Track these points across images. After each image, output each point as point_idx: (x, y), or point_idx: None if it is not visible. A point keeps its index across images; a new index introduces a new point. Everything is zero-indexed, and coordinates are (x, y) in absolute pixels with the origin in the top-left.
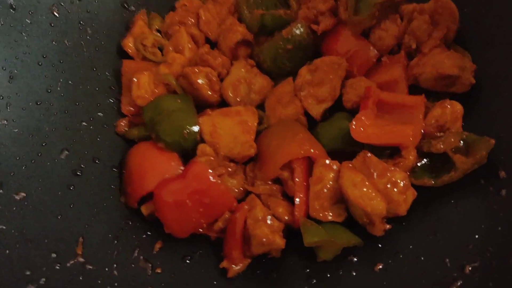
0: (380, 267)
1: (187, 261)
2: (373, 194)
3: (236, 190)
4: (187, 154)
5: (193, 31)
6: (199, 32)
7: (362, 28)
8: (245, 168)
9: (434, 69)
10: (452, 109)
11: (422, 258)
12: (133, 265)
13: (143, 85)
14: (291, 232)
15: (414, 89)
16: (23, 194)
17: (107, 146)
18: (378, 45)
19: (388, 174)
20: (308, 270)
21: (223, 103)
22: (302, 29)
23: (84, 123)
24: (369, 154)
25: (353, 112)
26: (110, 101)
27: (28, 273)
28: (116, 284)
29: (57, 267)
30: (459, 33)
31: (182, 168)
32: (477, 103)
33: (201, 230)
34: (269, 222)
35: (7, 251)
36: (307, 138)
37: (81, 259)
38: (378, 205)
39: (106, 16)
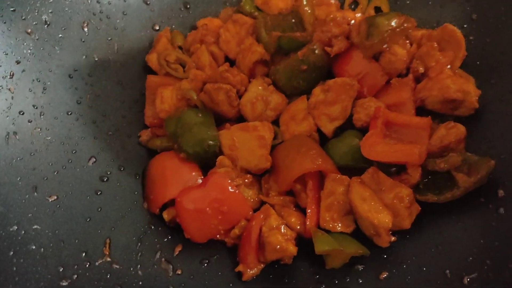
0: (385, 275)
1: (205, 264)
2: (380, 208)
3: (252, 200)
4: (206, 165)
5: (213, 49)
6: (218, 51)
7: (373, 52)
8: (260, 180)
9: (440, 93)
10: (456, 131)
11: (424, 269)
12: (155, 266)
13: (166, 99)
14: (302, 241)
15: (421, 110)
16: (55, 197)
17: (131, 155)
18: (388, 68)
19: (395, 190)
20: (317, 277)
21: (240, 118)
22: (316, 51)
23: (110, 133)
24: (377, 171)
25: (362, 131)
26: (134, 113)
27: (61, 269)
28: (140, 283)
29: (87, 265)
30: (465, 59)
31: (201, 178)
32: (479, 125)
33: (218, 236)
34: (282, 230)
35: (42, 250)
36: (319, 153)
37: (108, 259)
38: (385, 218)
39: (132, 33)
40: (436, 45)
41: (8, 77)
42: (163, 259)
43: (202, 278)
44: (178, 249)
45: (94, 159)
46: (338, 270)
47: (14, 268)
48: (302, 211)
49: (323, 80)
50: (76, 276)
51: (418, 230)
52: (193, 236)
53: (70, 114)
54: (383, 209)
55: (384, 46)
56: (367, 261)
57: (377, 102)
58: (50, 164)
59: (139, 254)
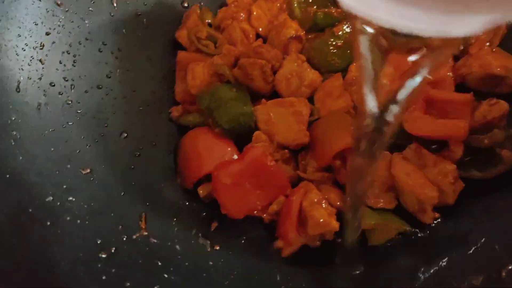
0: (426, 255)
1: (242, 241)
2: (426, 182)
3: (289, 176)
4: (241, 140)
5: (244, 26)
6: (250, 27)
7: None
8: (296, 156)
9: (481, 69)
10: (499, 107)
11: (473, 245)
12: (193, 241)
13: (198, 75)
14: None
15: (459, 88)
16: (88, 170)
17: (162, 132)
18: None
19: (439, 166)
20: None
21: (273, 95)
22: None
23: (141, 108)
24: (420, 146)
25: None
26: (164, 89)
27: (99, 241)
28: (179, 257)
29: (124, 239)
30: (504, 37)
31: (237, 153)
32: None
33: (255, 212)
34: (324, 205)
35: (78, 221)
36: None
37: (145, 233)
38: (431, 193)
39: (161, 9)
40: None
41: (39, 48)
42: (200, 234)
43: (240, 254)
44: (214, 225)
45: (126, 134)
46: (379, 247)
47: (52, 239)
48: (341, 187)
49: None
50: (114, 248)
51: (462, 206)
52: (230, 212)
53: (100, 88)
54: (429, 184)
55: None
56: (407, 239)
57: None
58: (82, 137)
59: (175, 229)
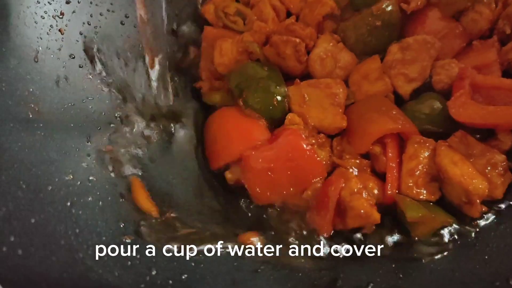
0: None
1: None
2: (474, 173)
3: (324, 162)
4: (273, 122)
5: (275, 2)
6: (280, 4)
7: (455, 9)
8: (331, 141)
9: None
10: None
11: None
12: (219, 225)
13: (225, 52)
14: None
15: (507, 75)
16: (110, 147)
17: (186, 109)
18: (470, 28)
19: (487, 155)
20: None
21: (305, 76)
22: (391, 7)
23: (163, 84)
24: (466, 134)
25: (442, 94)
26: (188, 65)
27: (122, 225)
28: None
29: (150, 221)
30: None
31: (268, 135)
32: None
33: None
34: (364, 195)
35: (100, 203)
36: (401, 114)
37: (173, 214)
38: (481, 184)
39: None
40: None
41: (58, 16)
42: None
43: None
44: (240, 208)
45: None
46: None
47: (74, 219)
48: (379, 176)
49: (397, 40)
50: (139, 232)
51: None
52: (260, 199)
53: (122, 62)
54: (478, 174)
55: (469, 3)
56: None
57: (459, 63)
58: (103, 113)
59: (200, 213)
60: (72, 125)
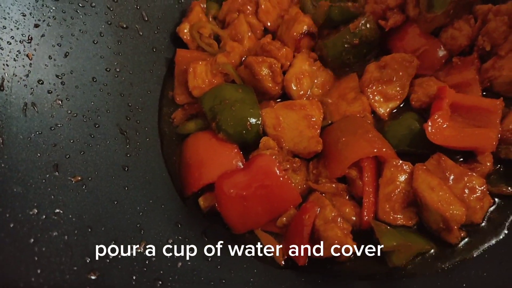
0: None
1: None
2: (452, 198)
3: (299, 187)
4: (247, 146)
5: (251, 20)
6: (257, 22)
7: (434, 26)
8: (307, 165)
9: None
10: None
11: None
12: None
13: (199, 75)
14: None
15: (486, 93)
16: (79, 177)
17: (160, 134)
18: (450, 44)
19: (465, 179)
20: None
21: (282, 96)
22: (369, 24)
23: (137, 107)
24: (444, 157)
25: (420, 113)
26: (163, 87)
27: (88, 260)
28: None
29: (119, 256)
30: None
31: (242, 161)
32: None
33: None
34: (339, 223)
35: (66, 237)
36: (378, 136)
37: (141, 249)
38: (458, 210)
39: (162, 2)
40: (507, 20)
41: (26, 41)
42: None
43: (244, 272)
44: (215, 238)
45: (121, 135)
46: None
47: (36, 258)
48: (356, 200)
49: (375, 58)
50: (105, 268)
51: (490, 225)
52: (234, 226)
53: (94, 84)
54: (455, 200)
55: (448, 20)
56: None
57: (438, 81)
58: (72, 141)
59: (175, 245)
60: (38, 155)
